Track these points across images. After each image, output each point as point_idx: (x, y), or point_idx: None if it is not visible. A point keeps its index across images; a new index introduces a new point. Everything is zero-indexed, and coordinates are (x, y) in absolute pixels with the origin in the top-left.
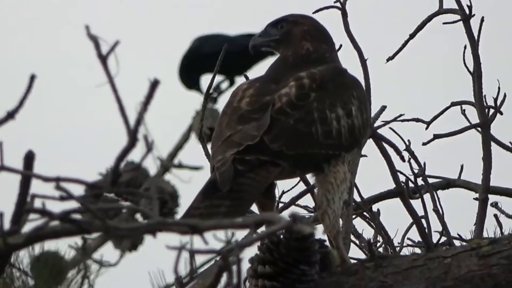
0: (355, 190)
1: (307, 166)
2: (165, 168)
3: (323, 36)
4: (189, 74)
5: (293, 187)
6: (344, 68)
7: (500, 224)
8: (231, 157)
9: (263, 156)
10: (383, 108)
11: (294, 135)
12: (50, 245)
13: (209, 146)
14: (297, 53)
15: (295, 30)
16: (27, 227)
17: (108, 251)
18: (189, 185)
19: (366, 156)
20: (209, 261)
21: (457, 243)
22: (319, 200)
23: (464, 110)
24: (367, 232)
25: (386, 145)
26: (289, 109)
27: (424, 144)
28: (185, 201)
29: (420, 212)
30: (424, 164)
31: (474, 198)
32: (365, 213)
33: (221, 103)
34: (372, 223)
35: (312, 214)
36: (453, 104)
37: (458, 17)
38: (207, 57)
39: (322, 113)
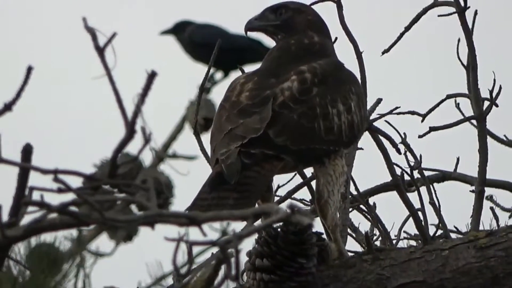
0: (351, 183)
1: (309, 160)
2: (160, 159)
3: (324, 27)
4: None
5: (288, 181)
6: (341, 62)
7: (496, 217)
8: (236, 149)
9: (268, 150)
10: (379, 100)
11: (298, 130)
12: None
13: (203, 137)
14: (301, 42)
15: (298, 18)
16: (25, 220)
17: (103, 242)
18: (183, 176)
19: (362, 149)
20: (207, 251)
21: (453, 236)
22: (320, 191)
23: (459, 103)
24: (364, 225)
25: (382, 138)
26: (292, 103)
27: (420, 136)
28: (180, 192)
29: (417, 205)
30: (420, 156)
31: (470, 191)
32: (361, 206)
33: (215, 94)
34: (368, 216)
35: (309, 207)
36: (449, 96)
37: (453, 9)
38: (197, 45)
39: (324, 108)
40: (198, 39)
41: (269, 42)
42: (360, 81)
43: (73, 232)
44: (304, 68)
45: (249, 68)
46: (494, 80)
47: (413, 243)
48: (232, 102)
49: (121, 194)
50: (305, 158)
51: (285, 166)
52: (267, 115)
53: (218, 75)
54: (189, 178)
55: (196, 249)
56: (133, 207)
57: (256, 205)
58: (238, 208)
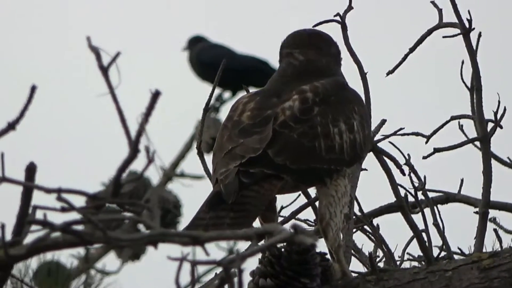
0: (355, 203)
1: (309, 180)
2: (168, 178)
3: (328, 45)
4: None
5: (292, 202)
6: (345, 81)
7: (500, 239)
8: (235, 169)
9: (267, 169)
10: (383, 121)
11: (298, 149)
12: (52, 254)
13: (209, 157)
14: (305, 63)
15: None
16: (28, 238)
17: (110, 260)
18: (191, 195)
19: (366, 169)
20: (211, 271)
21: (457, 257)
22: (322, 213)
23: (462, 125)
24: (367, 246)
25: (386, 159)
26: (292, 123)
27: (424, 157)
28: (188, 211)
29: (421, 226)
30: (425, 178)
31: (474, 212)
32: (365, 227)
33: (223, 113)
34: (372, 237)
35: (313, 228)
36: (453, 118)
37: (458, 31)
38: (204, 65)
39: (325, 127)
40: (205, 60)
41: (276, 63)
42: (364, 101)
43: (81, 251)
44: (306, 87)
45: (256, 88)
46: (499, 101)
47: (416, 264)
48: (234, 122)
49: (127, 213)
50: (306, 177)
51: (285, 186)
52: (268, 135)
53: (226, 94)
54: (197, 196)
55: (200, 269)
56: (141, 227)
57: (259, 225)
58: (235, 228)
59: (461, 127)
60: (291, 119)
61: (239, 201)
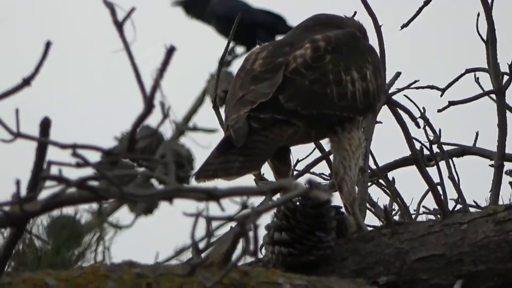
0: (370, 157)
1: (321, 126)
2: (180, 132)
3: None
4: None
5: (308, 155)
6: (361, 35)
7: None
8: (245, 114)
9: (278, 115)
10: (398, 74)
11: (310, 95)
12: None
13: (222, 110)
14: (319, 18)
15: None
16: (43, 194)
17: (123, 214)
18: (204, 148)
19: (381, 122)
20: (225, 225)
21: (472, 210)
22: (336, 168)
23: (478, 78)
24: (383, 199)
25: (401, 112)
26: (304, 69)
27: (439, 111)
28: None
29: (436, 180)
30: (440, 131)
31: (489, 165)
32: (380, 181)
33: (235, 67)
34: (387, 191)
35: (328, 182)
36: (468, 71)
37: None
38: (220, 18)
39: (337, 75)
40: (221, 12)
41: (293, 20)
42: (378, 54)
43: (94, 205)
44: (318, 37)
45: None
46: None
47: (432, 217)
48: (247, 71)
49: (141, 168)
50: (317, 123)
51: (296, 132)
52: (278, 80)
53: (240, 49)
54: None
55: (214, 224)
56: (153, 181)
57: (274, 180)
58: (244, 172)
59: (477, 80)
60: (302, 66)
61: (249, 146)
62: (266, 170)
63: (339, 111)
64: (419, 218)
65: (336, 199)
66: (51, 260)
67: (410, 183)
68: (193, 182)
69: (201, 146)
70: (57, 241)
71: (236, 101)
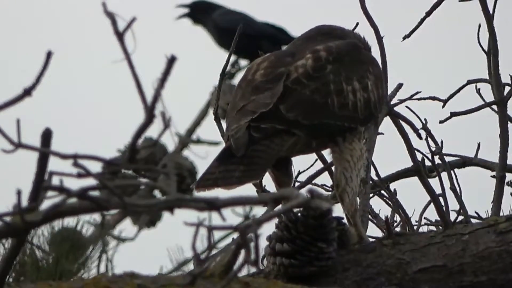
0: (372, 168)
1: (322, 136)
2: (183, 144)
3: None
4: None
5: (310, 167)
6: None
7: None
8: (245, 124)
9: (279, 125)
10: (400, 85)
11: (311, 105)
12: (68, 221)
13: (224, 122)
14: (322, 29)
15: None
16: (45, 205)
17: (126, 226)
18: (207, 161)
19: (383, 133)
20: (227, 236)
21: (474, 221)
22: (337, 179)
23: (479, 89)
24: (384, 211)
25: (403, 123)
26: (305, 79)
27: (441, 122)
28: None
29: (438, 191)
30: (441, 142)
31: (491, 176)
32: (382, 192)
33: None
34: (389, 202)
35: (330, 193)
36: (469, 82)
37: None
38: (222, 30)
39: (338, 85)
40: (222, 25)
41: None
42: (380, 65)
43: (97, 217)
44: (320, 47)
45: None
46: None
47: (434, 229)
48: (248, 81)
49: (143, 179)
50: (318, 133)
51: (297, 142)
52: (278, 90)
53: (242, 62)
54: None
55: (216, 234)
56: (156, 192)
57: (276, 190)
58: (244, 181)
59: (478, 91)
60: (303, 76)
61: (249, 155)
62: (268, 182)
63: (340, 121)
64: (421, 230)
65: (338, 210)
66: (51, 271)
67: (412, 194)
68: (195, 194)
69: (203, 159)
70: (59, 253)
71: (236, 112)
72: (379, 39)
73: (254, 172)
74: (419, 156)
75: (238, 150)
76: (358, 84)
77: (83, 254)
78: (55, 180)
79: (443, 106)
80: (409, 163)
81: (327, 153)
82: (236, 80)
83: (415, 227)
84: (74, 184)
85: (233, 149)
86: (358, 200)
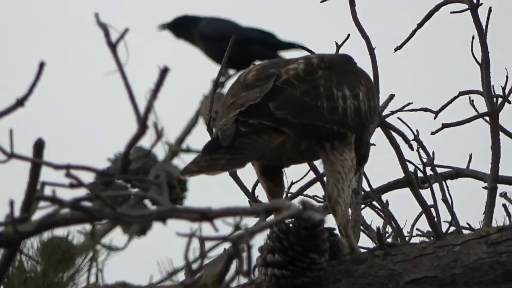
0: (364, 179)
1: (311, 137)
2: (173, 153)
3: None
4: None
5: (302, 178)
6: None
7: (509, 214)
8: (233, 117)
9: (267, 121)
10: (391, 96)
11: (300, 105)
12: (58, 230)
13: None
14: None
15: None
16: (37, 215)
17: (116, 235)
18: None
19: (374, 145)
20: (218, 246)
21: (466, 232)
22: (329, 190)
23: (473, 100)
24: (376, 222)
25: (395, 134)
26: (295, 81)
27: (432, 133)
28: (193, 186)
29: (429, 202)
30: (433, 153)
31: (483, 187)
32: (374, 203)
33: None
34: (381, 213)
35: (321, 204)
36: (461, 93)
37: (465, 6)
38: (209, 39)
39: (328, 89)
40: (209, 34)
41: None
42: (372, 77)
43: (87, 227)
44: (313, 55)
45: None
46: (507, 76)
47: (425, 240)
48: (240, 82)
49: (134, 189)
50: (307, 134)
51: (286, 141)
52: (268, 86)
53: (231, 71)
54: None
55: (208, 244)
56: (147, 202)
57: (268, 201)
58: (228, 167)
59: (471, 102)
60: (294, 77)
61: (235, 146)
62: (260, 192)
63: (329, 124)
64: (413, 240)
65: (330, 221)
66: (40, 283)
67: (403, 205)
68: (186, 203)
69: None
70: (48, 264)
71: (226, 107)
72: (371, 50)
73: (238, 160)
74: (411, 167)
75: (224, 140)
76: (349, 92)
77: (73, 266)
78: (48, 191)
79: (434, 118)
80: (400, 174)
81: (319, 164)
82: (225, 89)
83: (406, 238)
84: (66, 194)
85: (220, 140)
86: (350, 211)
